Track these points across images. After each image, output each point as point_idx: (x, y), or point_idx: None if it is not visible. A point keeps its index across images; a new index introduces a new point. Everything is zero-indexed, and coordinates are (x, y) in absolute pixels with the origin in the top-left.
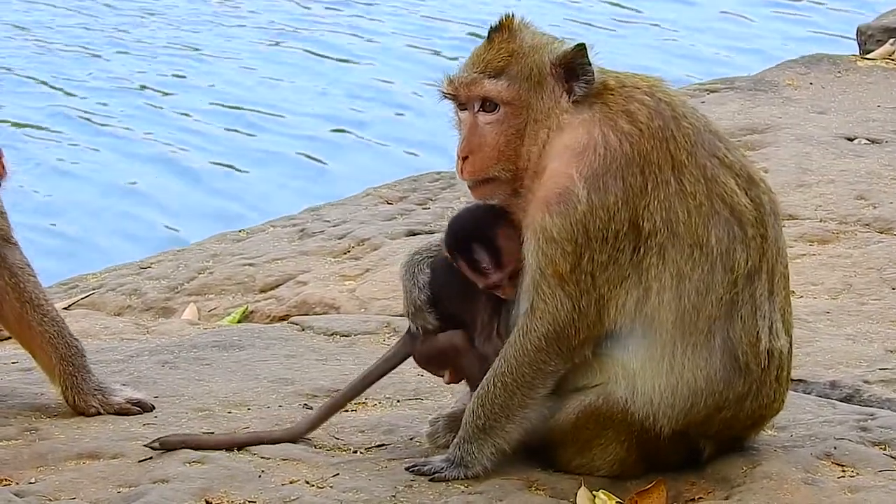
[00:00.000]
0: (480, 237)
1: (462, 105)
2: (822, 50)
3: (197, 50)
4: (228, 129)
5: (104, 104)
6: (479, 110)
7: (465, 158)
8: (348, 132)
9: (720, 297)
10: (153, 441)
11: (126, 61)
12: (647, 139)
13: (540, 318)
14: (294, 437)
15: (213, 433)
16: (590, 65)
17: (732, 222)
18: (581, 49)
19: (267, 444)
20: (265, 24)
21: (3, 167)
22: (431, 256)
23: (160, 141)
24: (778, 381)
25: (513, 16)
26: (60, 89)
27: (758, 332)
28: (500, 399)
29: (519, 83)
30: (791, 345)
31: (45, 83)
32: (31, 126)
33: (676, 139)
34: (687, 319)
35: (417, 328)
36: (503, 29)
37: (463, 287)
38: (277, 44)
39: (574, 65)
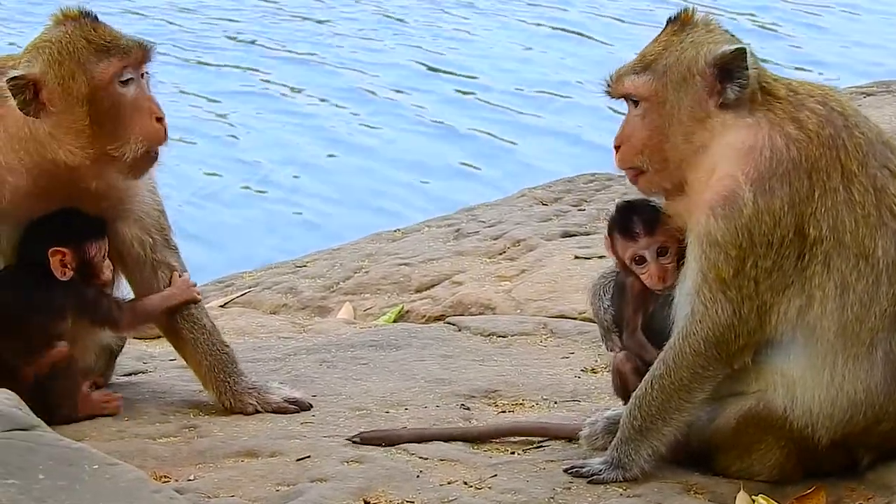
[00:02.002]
0: (637, 205)
1: (620, 98)
2: None
3: None
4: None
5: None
6: (631, 103)
7: (617, 148)
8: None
9: (884, 309)
10: (354, 436)
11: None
12: (816, 146)
13: (700, 322)
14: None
15: (405, 428)
16: (746, 69)
17: None
18: (740, 52)
19: (458, 440)
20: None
21: (165, 130)
22: (613, 279)
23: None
24: None
25: (692, 10)
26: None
27: None
28: (657, 401)
29: (662, 80)
30: None
31: None
32: None
33: (847, 148)
34: (849, 330)
35: (608, 349)
36: (675, 22)
37: (620, 287)
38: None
39: (729, 68)
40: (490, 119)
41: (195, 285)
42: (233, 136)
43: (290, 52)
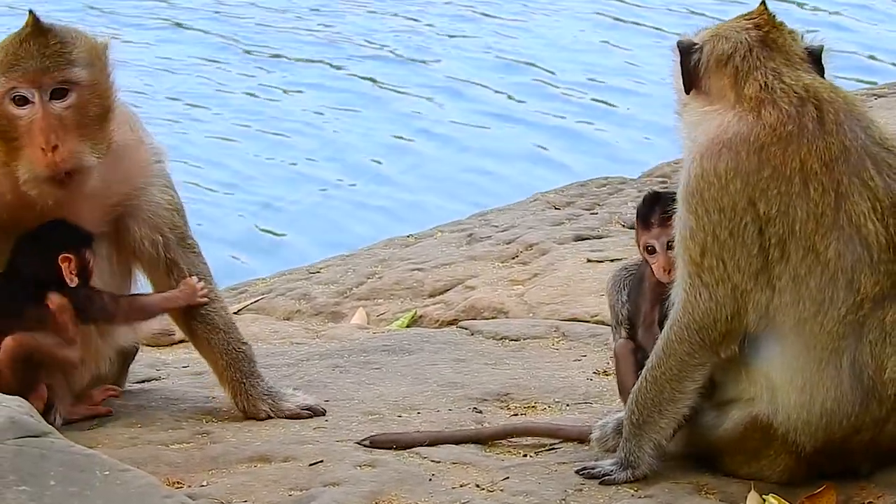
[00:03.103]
0: (663, 197)
1: None
2: None
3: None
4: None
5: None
6: None
7: None
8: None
9: (843, 315)
10: (364, 439)
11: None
12: (769, 134)
13: (683, 309)
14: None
15: (419, 431)
16: (695, 63)
17: (857, 242)
18: (688, 44)
19: (470, 443)
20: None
21: (55, 161)
22: (634, 273)
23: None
24: None
25: (764, 6)
26: None
27: (884, 361)
28: (651, 394)
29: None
30: None
31: None
32: None
33: (810, 147)
34: (806, 330)
35: (614, 339)
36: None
37: (639, 279)
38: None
39: (684, 56)
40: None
41: (203, 288)
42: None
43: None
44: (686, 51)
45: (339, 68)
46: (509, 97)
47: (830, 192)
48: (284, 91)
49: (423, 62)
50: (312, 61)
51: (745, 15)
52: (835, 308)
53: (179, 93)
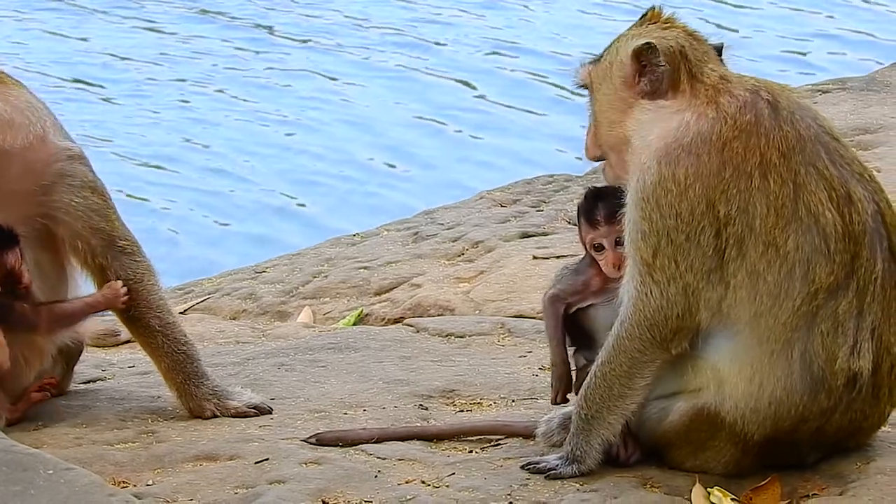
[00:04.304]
0: (605, 193)
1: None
2: None
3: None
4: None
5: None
6: None
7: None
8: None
9: (797, 306)
10: (310, 437)
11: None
12: (731, 128)
13: (633, 306)
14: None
15: (365, 428)
16: (658, 64)
17: (815, 233)
18: (646, 47)
19: (416, 439)
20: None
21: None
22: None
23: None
24: (876, 398)
25: (657, 8)
26: None
27: (835, 351)
28: (600, 389)
29: (596, 70)
30: (895, 364)
31: None
32: None
33: (769, 138)
34: (762, 324)
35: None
36: (643, 17)
37: (573, 274)
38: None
39: (643, 61)
40: None
41: (125, 294)
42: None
43: None
44: (643, 52)
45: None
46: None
47: (789, 184)
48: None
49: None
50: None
51: (649, 18)
52: (790, 300)
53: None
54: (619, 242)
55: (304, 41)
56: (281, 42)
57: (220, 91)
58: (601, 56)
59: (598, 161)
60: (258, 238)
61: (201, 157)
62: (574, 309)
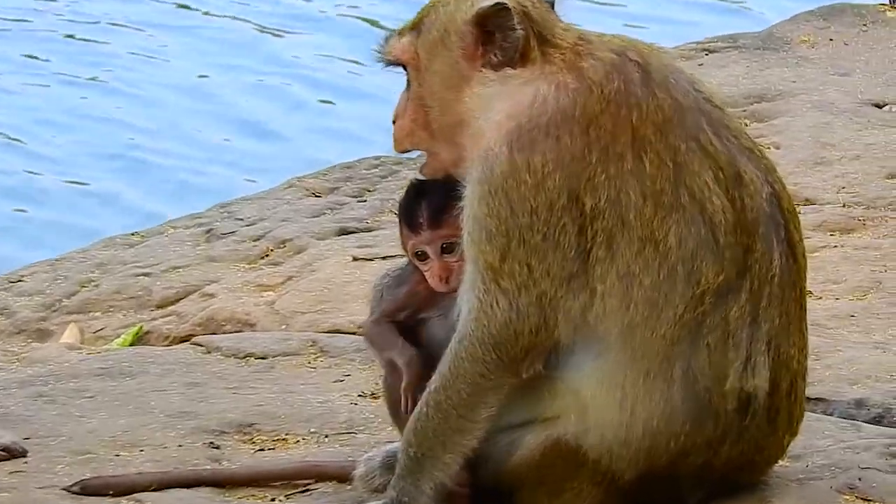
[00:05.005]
0: (429, 188)
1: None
2: None
3: None
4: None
5: None
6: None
7: (394, 124)
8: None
9: (679, 315)
10: (73, 484)
11: None
12: (598, 99)
13: (475, 320)
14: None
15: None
16: (513, 29)
17: (700, 223)
18: (500, 8)
19: (205, 485)
20: None
21: None
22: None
23: None
24: (773, 424)
25: None
26: None
27: (725, 367)
28: (433, 422)
29: (422, 42)
30: (794, 382)
31: None
32: None
33: (642, 108)
34: (637, 337)
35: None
36: None
37: (396, 285)
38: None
39: (490, 27)
40: None
41: None
42: None
43: None
44: (492, 15)
45: None
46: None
47: (668, 164)
48: None
49: None
50: None
51: None
52: (671, 307)
53: None
54: (446, 249)
55: None
56: None
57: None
58: (419, 23)
59: (406, 153)
60: (62, 227)
61: None
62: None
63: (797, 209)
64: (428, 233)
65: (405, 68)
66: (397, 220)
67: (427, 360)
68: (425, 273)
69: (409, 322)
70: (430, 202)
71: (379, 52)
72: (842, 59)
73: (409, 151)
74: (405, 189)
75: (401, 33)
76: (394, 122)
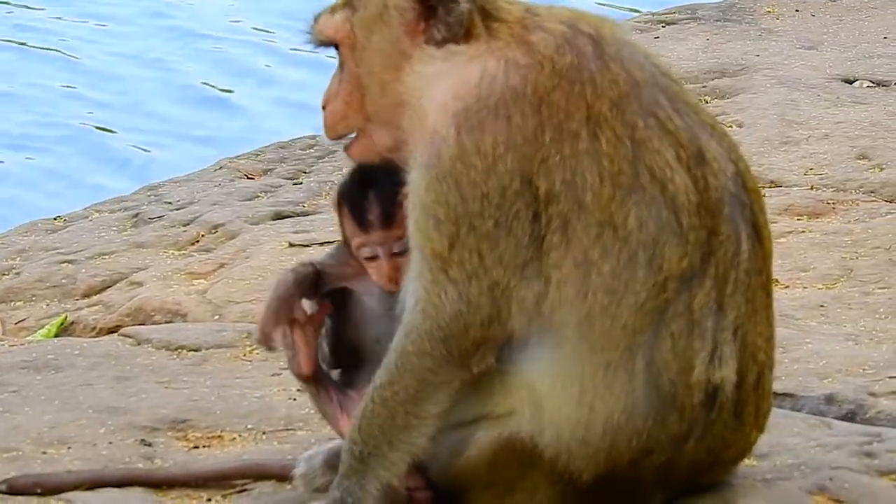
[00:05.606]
0: (379, 178)
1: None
2: None
3: None
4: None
5: None
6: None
7: (324, 110)
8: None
9: (641, 303)
10: (0, 482)
11: None
12: (550, 75)
13: (422, 312)
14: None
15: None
16: (456, 1)
17: (662, 205)
18: None
19: (137, 485)
20: None
21: None
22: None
23: None
24: (740, 419)
25: None
26: None
27: (691, 358)
28: (379, 419)
29: (358, 18)
30: (762, 374)
31: None
32: None
33: (596, 83)
34: (596, 328)
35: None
36: None
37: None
38: None
39: (433, 0)
40: None
41: None
42: None
43: None
44: None
45: None
46: None
47: (626, 142)
48: None
49: None
50: None
51: None
52: (632, 294)
53: None
54: (397, 253)
55: None
56: None
57: None
58: (349, 1)
59: (340, 139)
60: None
61: None
62: (328, 289)
63: (762, 192)
64: (380, 233)
65: (337, 48)
66: (337, 209)
67: (356, 358)
68: (370, 271)
69: (335, 284)
70: (380, 196)
71: (309, 33)
72: (809, 31)
73: (342, 138)
74: (349, 176)
75: (333, 10)
76: (324, 108)
